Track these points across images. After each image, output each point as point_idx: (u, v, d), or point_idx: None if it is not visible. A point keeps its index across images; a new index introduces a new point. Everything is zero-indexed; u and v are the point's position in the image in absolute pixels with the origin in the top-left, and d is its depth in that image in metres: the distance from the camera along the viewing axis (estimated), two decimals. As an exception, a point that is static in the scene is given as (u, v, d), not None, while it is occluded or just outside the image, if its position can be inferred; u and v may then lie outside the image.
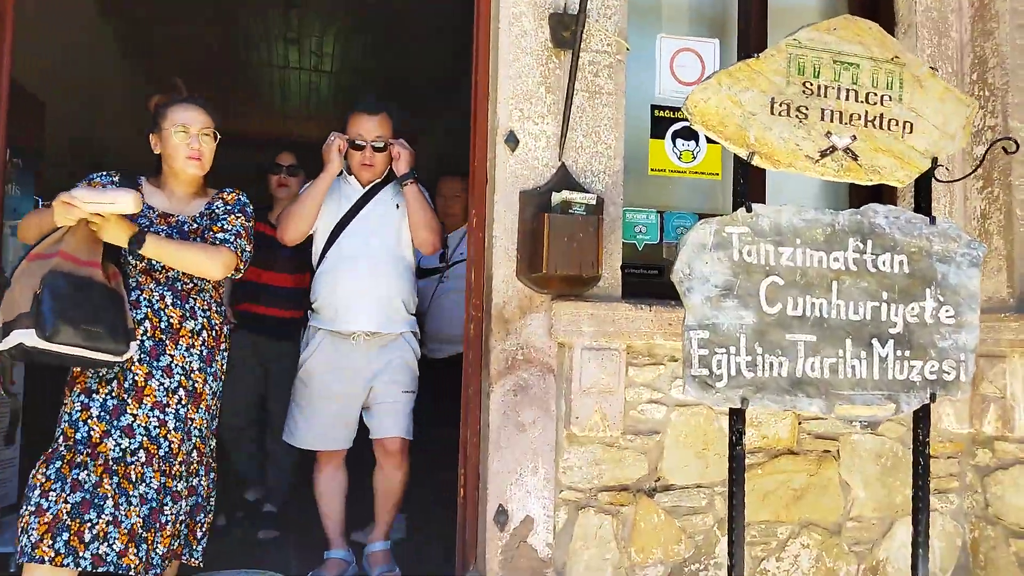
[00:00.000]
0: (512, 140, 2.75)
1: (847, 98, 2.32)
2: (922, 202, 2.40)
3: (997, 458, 3.02)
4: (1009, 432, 2.93)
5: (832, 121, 2.31)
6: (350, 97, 6.24)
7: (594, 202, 2.68)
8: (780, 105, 2.28)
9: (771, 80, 2.27)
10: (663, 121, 3.08)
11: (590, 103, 2.82)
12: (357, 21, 6.08)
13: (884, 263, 2.32)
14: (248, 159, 4.40)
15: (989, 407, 3.01)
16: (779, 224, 2.27)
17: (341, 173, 3.04)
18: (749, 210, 2.25)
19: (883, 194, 3.03)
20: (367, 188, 3.07)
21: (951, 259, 2.37)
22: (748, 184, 2.29)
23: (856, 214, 2.33)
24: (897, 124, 2.35)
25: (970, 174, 2.37)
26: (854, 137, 2.32)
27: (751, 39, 3.18)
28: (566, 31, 2.76)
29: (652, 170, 3.10)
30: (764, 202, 3.07)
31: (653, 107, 3.10)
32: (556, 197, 2.70)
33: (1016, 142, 2.29)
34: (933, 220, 2.37)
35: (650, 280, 3.05)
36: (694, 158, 3.11)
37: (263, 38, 6.50)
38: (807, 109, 2.29)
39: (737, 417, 2.25)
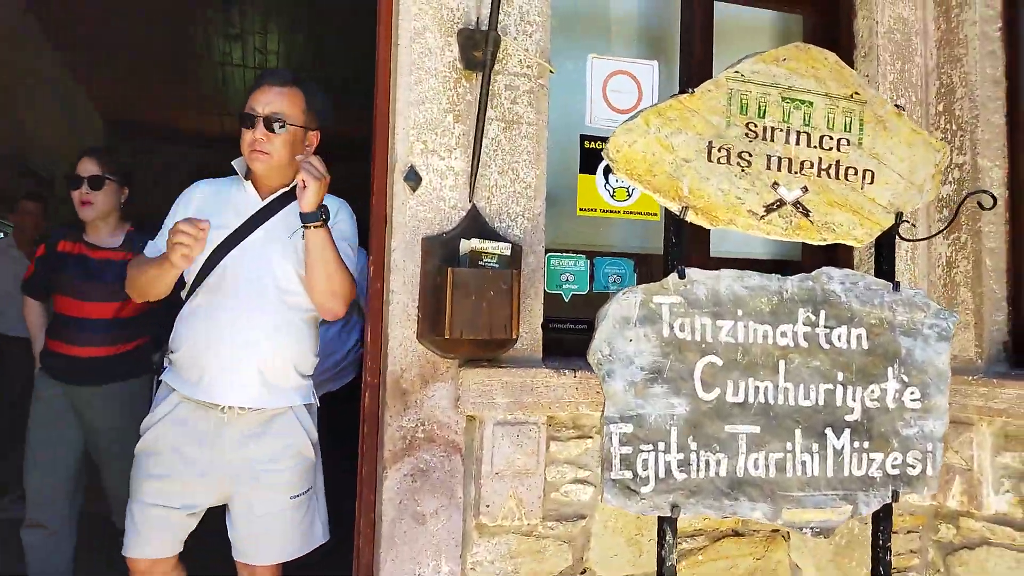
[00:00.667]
0: (413, 177, 2.34)
1: (798, 142, 1.96)
2: (884, 264, 2.05)
3: (962, 536, 2.71)
4: (976, 509, 2.63)
5: (780, 170, 1.95)
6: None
7: (508, 252, 2.29)
8: (719, 150, 1.91)
9: (708, 120, 1.90)
10: (594, 154, 2.70)
11: (507, 134, 2.42)
12: (300, 18, 5.68)
13: (840, 338, 1.97)
14: (188, 157, 3.93)
15: (954, 479, 2.70)
16: (718, 293, 1.90)
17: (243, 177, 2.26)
18: (682, 276, 1.88)
19: (838, 249, 2.69)
20: (267, 200, 2.19)
21: (917, 332, 2.02)
22: (682, 244, 1.91)
23: (807, 280, 1.97)
24: (856, 173, 2.00)
25: (939, 232, 2.04)
26: (805, 189, 1.97)
27: (694, 61, 2.81)
28: (477, 50, 2.35)
29: (581, 210, 2.71)
30: (708, 256, 2.73)
31: (583, 138, 2.72)
32: (464, 246, 2.30)
33: (993, 196, 1.96)
34: (897, 286, 2.02)
35: (579, 337, 2.67)
36: (629, 196, 2.73)
37: (204, 34, 6.07)
38: (751, 155, 1.93)
39: (667, 527, 1.87)
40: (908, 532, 2.81)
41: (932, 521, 2.81)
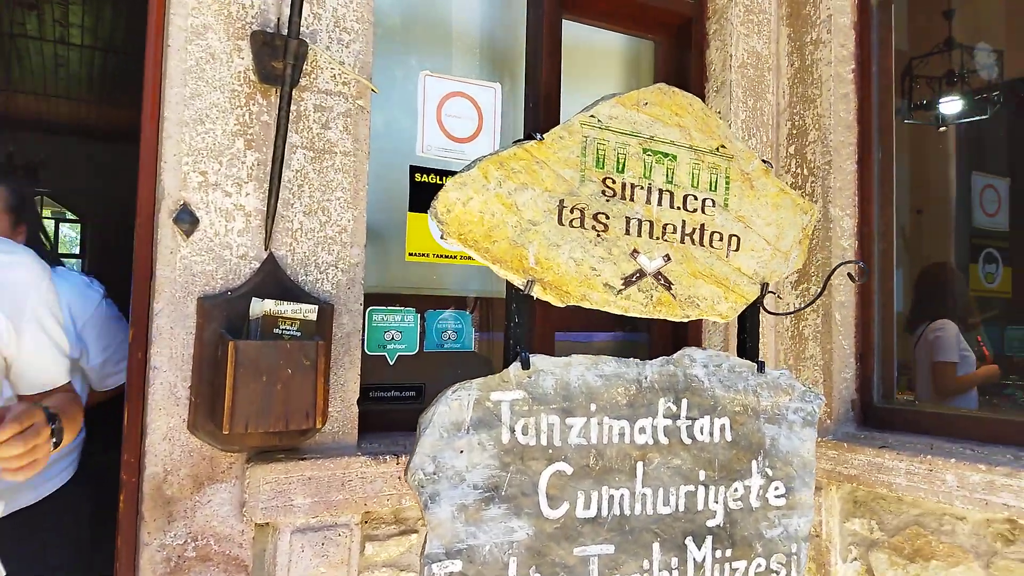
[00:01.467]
0: (187, 218, 1.81)
1: (660, 202, 1.66)
2: (748, 341, 1.81)
3: (808, 604, 2.59)
4: (822, 577, 2.51)
5: (641, 235, 1.64)
6: (107, 77, 5.07)
7: (314, 316, 1.83)
8: (572, 211, 1.56)
9: (560, 175, 1.54)
10: (427, 189, 2.29)
11: (316, 166, 1.95)
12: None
13: (703, 430, 1.69)
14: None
15: (802, 545, 2.57)
16: (568, 384, 1.56)
17: None
18: (526, 365, 1.52)
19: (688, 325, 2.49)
20: None
21: (782, 418, 1.80)
22: (524, 324, 1.55)
23: (668, 364, 1.68)
24: (722, 239, 1.74)
25: (807, 306, 1.83)
26: (668, 257, 1.67)
27: (541, 84, 2.48)
28: (277, 60, 1.87)
29: (411, 255, 2.29)
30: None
31: (414, 170, 2.30)
32: (257, 308, 1.81)
33: (865, 269, 1.76)
34: (761, 367, 1.78)
35: (406, 407, 2.26)
36: (466, 238, 2.34)
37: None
38: (608, 217, 1.60)
39: None
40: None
41: (779, 587, 2.68)
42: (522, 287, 1.51)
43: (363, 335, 2.12)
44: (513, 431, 1.49)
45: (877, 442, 2.37)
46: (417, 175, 2.29)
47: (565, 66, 2.60)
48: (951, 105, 5.33)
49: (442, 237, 1.44)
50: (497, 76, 2.52)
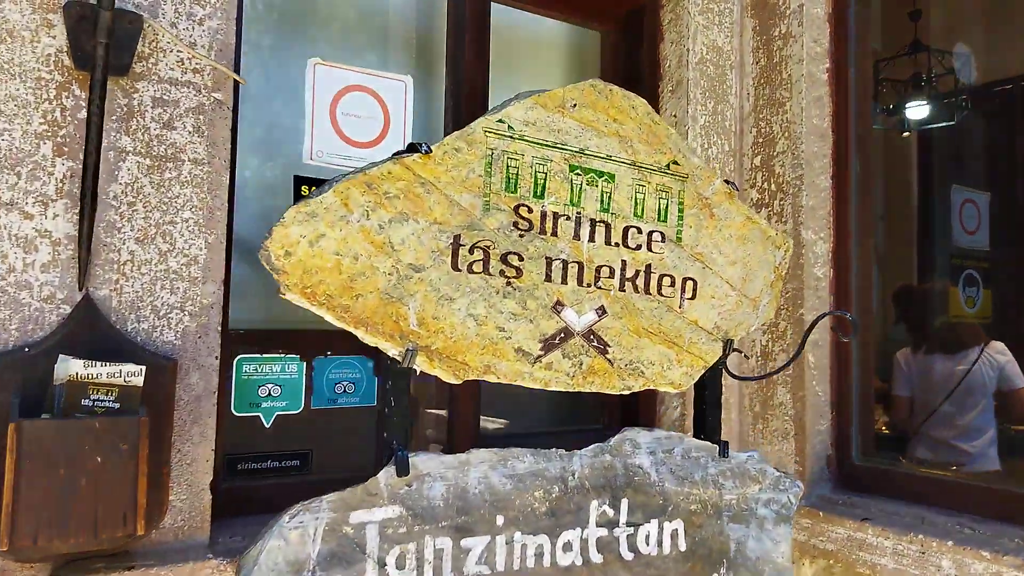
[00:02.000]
0: (-35, 251, 1.35)
1: (592, 237, 1.25)
2: (708, 415, 1.41)
3: None
4: (792, 665, 2.13)
5: (566, 281, 1.23)
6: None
7: (140, 379, 1.37)
8: (473, 251, 1.14)
9: (455, 201, 1.12)
10: (314, 205, 1.83)
11: (155, 178, 1.50)
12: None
13: (649, 539, 1.29)
14: None
15: (768, 626, 2.20)
16: (464, 491, 1.14)
17: None
18: (404, 470, 1.09)
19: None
20: None
21: (750, 514, 1.40)
22: (402, 408, 1.12)
23: (604, 453, 1.27)
24: (673, 284, 1.33)
25: (781, 369, 1.44)
26: (602, 311, 1.26)
27: (464, 79, 2.05)
28: (99, 38, 1.41)
29: (293, 288, 1.84)
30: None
31: (299, 181, 1.85)
32: (62, 370, 1.35)
33: (855, 322, 1.37)
34: (724, 449, 1.38)
35: (285, 481, 1.81)
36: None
37: None
38: (522, 259, 1.18)
39: None
40: None
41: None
42: (399, 357, 1.09)
43: (228, 392, 1.67)
44: (383, 565, 1.07)
45: (858, 512, 2.00)
46: (304, 188, 1.85)
47: (502, 59, 2.18)
48: (917, 110, 5.07)
49: (279, 292, 1.00)
50: (411, 67, 2.09)
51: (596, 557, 1.23)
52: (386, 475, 1.07)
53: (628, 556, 1.26)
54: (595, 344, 1.25)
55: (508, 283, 1.16)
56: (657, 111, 2.44)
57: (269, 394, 1.78)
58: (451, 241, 1.11)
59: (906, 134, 5.17)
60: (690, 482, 1.33)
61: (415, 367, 1.09)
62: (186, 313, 1.51)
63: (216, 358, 1.54)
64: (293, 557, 1.00)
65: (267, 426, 1.78)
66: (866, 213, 2.28)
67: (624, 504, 1.26)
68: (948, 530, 1.81)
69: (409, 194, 1.07)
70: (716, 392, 1.41)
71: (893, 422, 3.22)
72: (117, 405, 1.36)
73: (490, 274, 1.15)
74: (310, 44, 1.93)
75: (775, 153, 2.28)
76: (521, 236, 1.17)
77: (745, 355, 2.31)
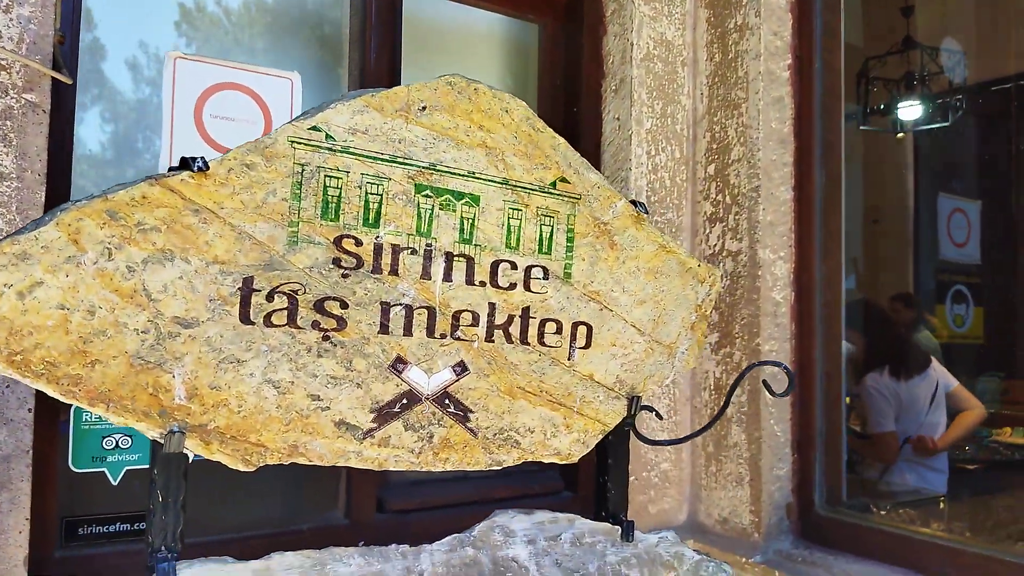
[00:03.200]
0: None
1: (449, 275, 0.99)
2: (611, 488, 1.14)
3: None
4: None
5: (411, 332, 0.96)
6: None
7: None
8: (271, 297, 0.88)
9: (246, 233, 0.86)
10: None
11: (-46, 197, 1.24)
12: None
13: (524, 652, 1.03)
14: None
15: None
16: (262, 607, 0.87)
17: None
18: (173, 585, 0.83)
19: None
20: None
21: (661, 610, 1.14)
22: (171, 504, 0.86)
23: (464, 545, 1.01)
24: (559, 331, 1.07)
25: (701, 432, 1.18)
26: (462, 368, 1.00)
27: (367, 78, 1.79)
28: None
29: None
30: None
31: (160, 195, 1.59)
32: None
33: (791, 375, 1.10)
34: (628, 530, 1.12)
35: (131, 548, 1.55)
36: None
37: None
38: (347, 306, 0.92)
39: None
40: None
41: None
42: (160, 439, 0.83)
43: (64, 446, 1.42)
44: None
45: (818, 571, 1.74)
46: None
47: (427, 54, 1.93)
48: (910, 110, 4.80)
49: (-25, 362, 0.74)
50: (296, 63, 1.83)
51: None
52: (144, 596, 0.82)
53: (494, 677, 1.00)
54: (451, 411, 0.98)
55: (325, 337, 0.90)
56: (600, 113, 2.20)
57: (116, 446, 1.51)
58: (239, 286, 0.85)
59: (900, 135, 4.91)
60: (582, 575, 1.07)
61: (184, 450, 0.83)
62: (-12, 359, 1.25)
63: (29, 410, 1.29)
64: None
65: (114, 483, 1.52)
66: (832, 229, 2.01)
67: (491, 610, 1.00)
68: (918, 604, 1.55)
69: (176, 225, 0.81)
70: (621, 460, 1.14)
71: (882, 462, 2.92)
72: None
73: (298, 327, 0.89)
74: (164, 33, 1.68)
75: (730, 161, 2.01)
76: (345, 276, 0.91)
77: (699, 386, 2.05)
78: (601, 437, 1.12)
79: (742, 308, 1.96)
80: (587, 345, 1.08)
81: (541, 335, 1.05)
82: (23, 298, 0.75)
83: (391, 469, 0.96)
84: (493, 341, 1.01)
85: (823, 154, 2.01)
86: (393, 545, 0.95)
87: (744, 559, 1.86)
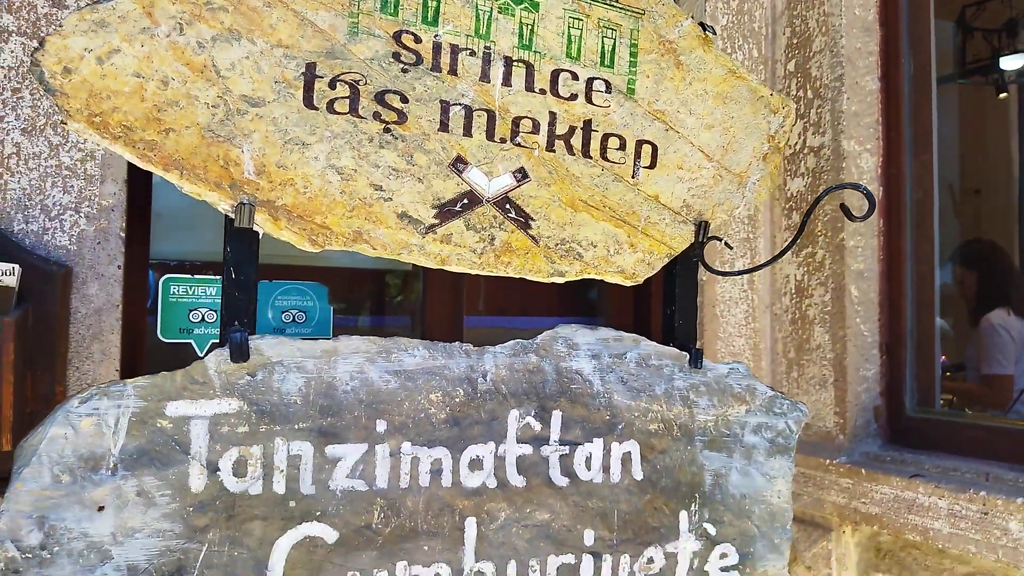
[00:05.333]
0: None
1: (508, 80, 0.99)
2: (678, 316, 1.11)
3: None
4: (832, 654, 1.80)
5: (471, 133, 0.97)
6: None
7: (14, 280, 1.21)
8: (335, 85, 0.90)
9: (308, 20, 0.88)
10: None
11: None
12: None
13: (591, 463, 1.02)
14: None
15: (803, 608, 1.86)
16: (331, 387, 0.90)
17: None
18: (243, 355, 0.86)
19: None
20: None
21: (735, 441, 1.10)
22: (247, 278, 0.90)
23: (528, 352, 1.00)
24: (622, 147, 1.05)
25: (774, 260, 1.13)
26: (522, 173, 0.99)
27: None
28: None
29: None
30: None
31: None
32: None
33: (868, 193, 1.05)
34: (697, 358, 1.09)
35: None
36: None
37: None
38: (407, 100, 0.93)
39: None
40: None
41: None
42: (231, 212, 0.86)
43: (154, 314, 1.50)
44: (215, 469, 0.84)
45: (908, 468, 1.65)
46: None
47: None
48: (1014, 60, 4.46)
49: (62, 121, 0.80)
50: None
51: (517, 480, 0.97)
52: (217, 360, 0.85)
53: (561, 481, 0.99)
54: (512, 216, 0.98)
55: (387, 129, 0.92)
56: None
57: (202, 320, 1.59)
58: (302, 71, 0.87)
59: (1003, 95, 4.57)
60: (648, 396, 1.04)
61: (253, 226, 0.86)
62: (82, 215, 1.34)
63: (119, 267, 1.37)
64: (87, 450, 0.79)
65: (200, 354, 1.60)
66: (923, 124, 1.90)
67: (556, 417, 0.99)
68: (1018, 487, 1.44)
69: (241, 7, 0.84)
70: (690, 290, 1.11)
71: (994, 408, 2.66)
72: (-12, 308, 1.19)
73: (360, 116, 0.90)
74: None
75: (811, 53, 1.93)
76: (404, 71, 0.92)
77: (779, 292, 1.98)
78: (667, 261, 1.09)
79: (824, 204, 1.88)
80: (652, 165, 1.06)
81: (604, 150, 1.03)
82: (102, 63, 0.79)
83: (453, 268, 0.97)
84: (554, 151, 1.00)
85: (911, 43, 1.90)
86: (457, 343, 0.96)
87: (828, 460, 1.78)
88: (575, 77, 1.02)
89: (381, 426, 0.91)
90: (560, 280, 1.02)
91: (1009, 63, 4.41)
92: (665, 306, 1.12)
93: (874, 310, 1.86)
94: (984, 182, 4.30)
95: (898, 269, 1.86)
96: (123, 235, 1.37)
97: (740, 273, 1.17)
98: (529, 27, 0.99)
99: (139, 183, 1.48)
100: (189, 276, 1.58)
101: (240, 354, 0.85)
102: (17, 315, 1.18)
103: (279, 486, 0.87)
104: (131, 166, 1.39)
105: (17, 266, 1.21)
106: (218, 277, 1.62)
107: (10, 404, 1.16)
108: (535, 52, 0.99)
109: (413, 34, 0.93)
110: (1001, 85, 4.55)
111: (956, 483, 1.51)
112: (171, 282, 1.56)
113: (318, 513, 0.88)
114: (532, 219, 1.00)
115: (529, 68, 0.99)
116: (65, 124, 0.78)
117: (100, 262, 1.35)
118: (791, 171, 1.95)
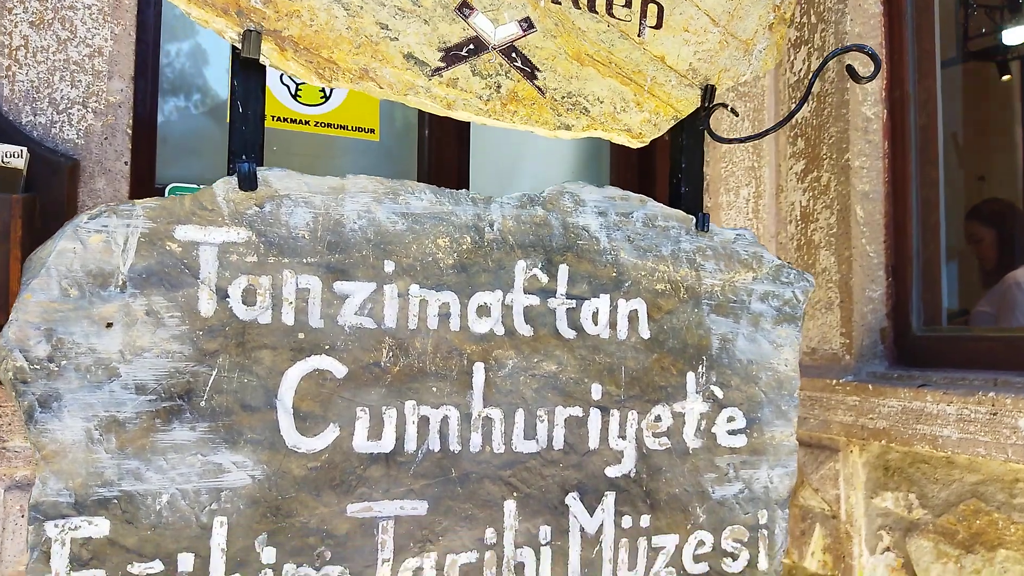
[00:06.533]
0: None
1: (515, -70, 0.99)
2: (684, 181, 1.11)
3: (822, 611, 1.86)
4: (839, 574, 1.78)
5: (477, -21, 0.97)
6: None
7: (22, 163, 1.21)
8: (341, -77, 0.90)
9: None
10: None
11: (61, -37, 1.34)
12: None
13: (597, 318, 1.01)
14: None
15: (813, 529, 1.85)
16: (340, 224, 0.90)
17: None
18: (252, 184, 0.87)
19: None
20: None
21: (741, 307, 1.10)
22: (254, 109, 0.90)
23: (535, 205, 1.00)
24: (628, 4, 1.05)
25: (782, 124, 1.14)
26: (528, 23, 1.00)
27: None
28: None
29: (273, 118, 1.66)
30: (467, 174, 1.76)
31: None
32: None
33: (874, 55, 1.05)
34: (703, 222, 1.09)
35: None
36: (326, 99, 1.71)
37: None
38: (413, -58, 0.94)
39: None
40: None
41: (783, 587, 1.96)
42: (237, 41, 0.86)
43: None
44: (224, 296, 0.84)
45: (916, 381, 1.64)
46: None
47: None
48: (1017, 33, 4.41)
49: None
50: None
51: (524, 328, 0.97)
52: (225, 187, 0.85)
53: (568, 334, 0.99)
54: (518, 65, 0.98)
55: (394, -30, 0.92)
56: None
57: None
58: (311, -97, 0.88)
59: (1006, 77, 4.54)
60: (655, 256, 1.04)
61: (259, 57, 0.86)
62: (89, 110, 1.35)
63: (126, 163, 1.37)
64: (95, 266, 0.79)
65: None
66: (926, 47, 1.90)
67: (563, 271, 0.99)
68: (1028, 383, 1.44)
69: None
70: (695, 158, 1.11)
71: (1017, 370, 2.52)
72: (-5, 187, 1.19)
73: (368, -46, 0.91)
74: None
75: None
76: (411, -87, 0.93)
77: (785, 220, 1.98)
78: (673, 123, 1.09)
79: (829, 127, 1.88)
80: (658, 25, 1.06)
81: (610, 4, 1.03)
82: None
83: (459, 115, 0.97)
84: (559, 3, 1.01)
85: (915, -34, 1.90)
86: (464, 190, 0.96)
87: (834, 381, 1.78)
88: (580, -67, 1.02)
89: (389, 266, 0.91)
90: (567, 135, 1.02)
91: (1011, 36, 4.36)
92: (671, 176, 1.12)
93: (880, 231, 1.85)
94: (987, 167, 4.27)
95: (903, 191, 1.85)
96: (129, 132, 1.37)
97: (745, 140, 1.16)
98: None
99: (146, 81, 1.48)
100: (195, 186, 1.58)
101: (248, 183, 0.85)
102: (25, 196, 1.18)
103: (288, 317, 0.87)
104: (138, 62, 1.40)
105: (25, 148, 1.21)
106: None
107: (18, 279, 1.16)
108: (540, -95, 1.00)
109: None
110: (1005, 57, 4.50)
111: (964, 388, 1.51)
112: (177, 190, 1.57)
113: (327, 347, 0.88)
114: (539, 70, 1.00)
115: (534, -79, 0.99)
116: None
117: (107, 157, 1.35)
118: (795, 98, 1.95)
